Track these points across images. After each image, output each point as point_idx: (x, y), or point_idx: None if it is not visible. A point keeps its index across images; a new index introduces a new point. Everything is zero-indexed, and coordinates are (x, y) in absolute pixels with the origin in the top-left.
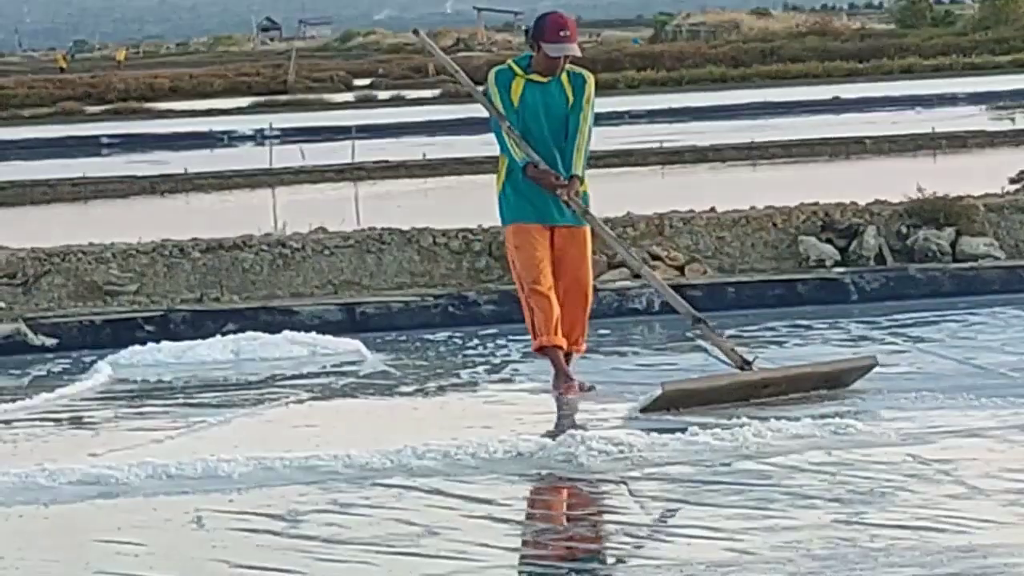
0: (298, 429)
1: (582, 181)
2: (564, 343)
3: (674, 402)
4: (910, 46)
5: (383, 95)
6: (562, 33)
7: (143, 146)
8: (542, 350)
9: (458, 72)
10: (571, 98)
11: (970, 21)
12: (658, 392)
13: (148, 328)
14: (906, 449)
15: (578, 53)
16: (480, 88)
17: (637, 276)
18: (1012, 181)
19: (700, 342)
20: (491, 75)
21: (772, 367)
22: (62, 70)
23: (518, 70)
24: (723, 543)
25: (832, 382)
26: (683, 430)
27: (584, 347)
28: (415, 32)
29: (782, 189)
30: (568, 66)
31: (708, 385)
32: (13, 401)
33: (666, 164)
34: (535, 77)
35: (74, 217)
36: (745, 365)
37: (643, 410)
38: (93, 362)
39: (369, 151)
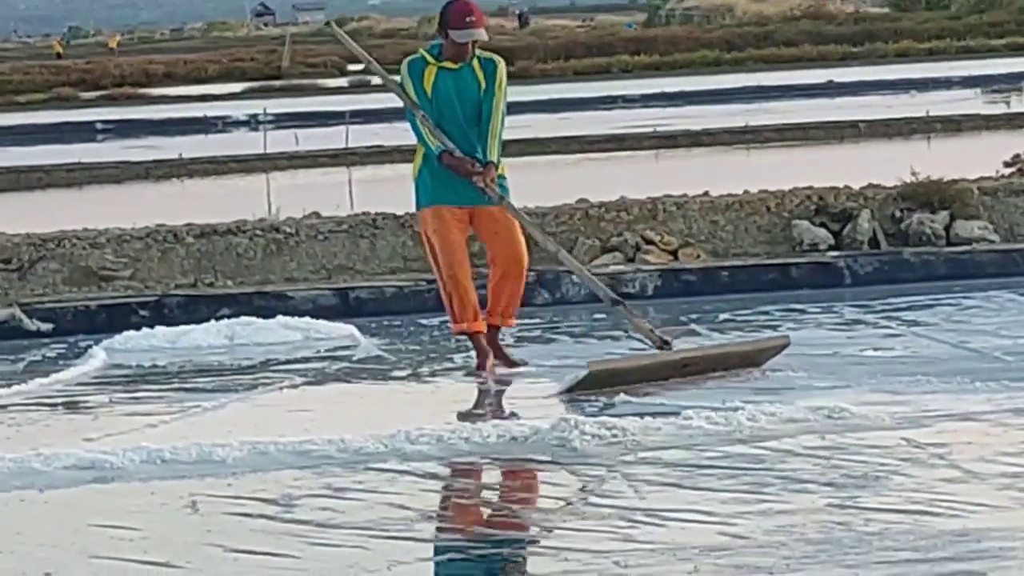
0: (292, 414)
1: (498, 166)
2: (484, 327)
3: (600, 382)
4: (904, 30)
5: (377, 80)
6: (468, 19)
7: (138, 132)
8: (464, 335)
9: (371, 62)
10: (483, 83)
11: (964, 4)
12: (584, 372)
13: (142, 313)
14: (900, 433)
15: (485, 38)
16: (394, 78)
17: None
18: (1007, 164)
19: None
20: (404, 65)
21: (691, 347)
22: (59, 56)
23: (430, 58)
24: (717, 527)
25: (748, 361)
26: (677, 414)
27: (514, 321)
28: (327, 24)
29: (776, 173)
30: (479, 52)
31: (632, 364)
32: (8, 386)
33: (660, 148)
34: (447, 64)
35: (69, 202)
36: (664, 345)
37: (568, 390)
38: (88, 347)
39: (363, 136)
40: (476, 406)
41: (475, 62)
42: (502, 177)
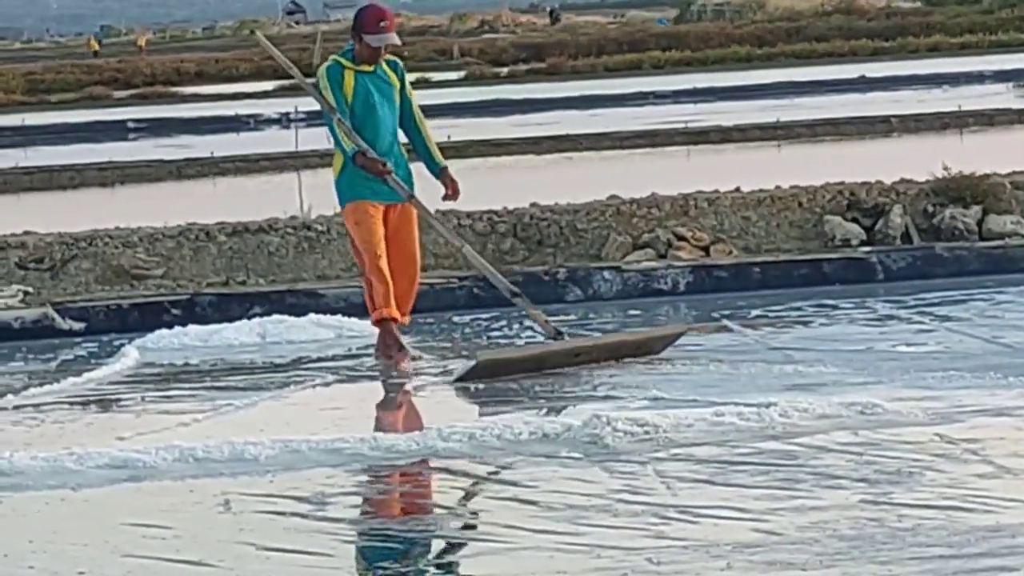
0: (324, 412)
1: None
2: (400, 316)
3: (489, 371)
4: (936, 24)
5: (408, 77)
6: (382, 24)
7: (170, 130)
8: (381, 322)
9: (292, 68)
10: (397, 83)
11: None
12: (473, 362)
13: (175, 312)
14: (933, 429)
15: (398, 42)
16: (310, 81)
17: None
18: None
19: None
20: (321, 70)
21: (584, 337)
22: (95, 54)
23: (346, 63)
24: (750, 524)
25: (643, 349)
26: (709, 410)
27: (409, 319)
28: (252, 32)
29: (808, 168)
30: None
31: (521, 355)
32: (41, 385)
33: (691, 144)
34: (363, 68)
35: (101, 201)
36: (558, 335)
37: (459, 379)
38: (120, 346)
39: None
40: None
41: (384, 64)
42: (409, 174)
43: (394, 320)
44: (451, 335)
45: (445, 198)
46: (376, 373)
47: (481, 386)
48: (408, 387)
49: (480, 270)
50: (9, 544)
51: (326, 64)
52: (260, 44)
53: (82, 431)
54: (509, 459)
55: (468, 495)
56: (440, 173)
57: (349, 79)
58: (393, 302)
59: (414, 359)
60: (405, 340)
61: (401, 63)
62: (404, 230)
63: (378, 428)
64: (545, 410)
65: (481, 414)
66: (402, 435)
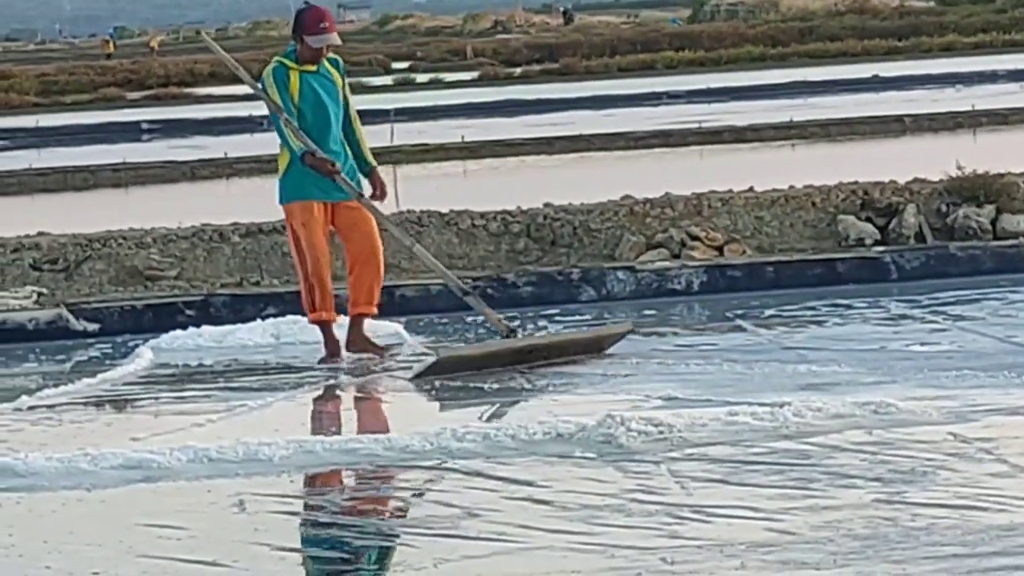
0: (338, 412)
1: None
2: (336, 318)
3: (447, 368)
4: (949, 24)
5: (421, 78)
6: (322, 24)
7: (183, 131)
8: (320, 323)
9: (239, 69)
10: (339, 82)
11: None
12: (433, 359)
13: (189, 312)
14: (947, 428)
15: (339, 42)
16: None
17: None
18: None
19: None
20: (268, 71)
21: (536, 335)
22: (108, 56)
23: (290, 64)
24: (763, 523)
25: (593, 348)
26: (723, 410)
27: (375, 308)
28: (197, 32)
29: (821, 168)
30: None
31: (480, 352)
32: (55, 386)
33: (705, 144)
34: (306, 68)
35: (115, 202)
36: (511, 333)
37: (417, 376)
38: (134, 347)
39: (408, 134)
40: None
41: (326, 63)
42: (354, 171)
43: (331, 321)
44: (465, 335)
45: (372, 197)
46: (390, 373)
47: (495, 386)
48: (422, 388)
49: (431, 267)
50: (24, 544)
51: (271, 66)
52: (207, 45)
53: (96, 432)
54: (523, 459)
55: (482, 495)
56: (370, 173)
57: (295, 80)
58: (330, 304)
59: (383, 349)
60: (418, 340)
61: (342, 62)
62: (361, 223)
63: (392, 428)
64: (558, 410)
65: (492, 416)
66: (416, 435)
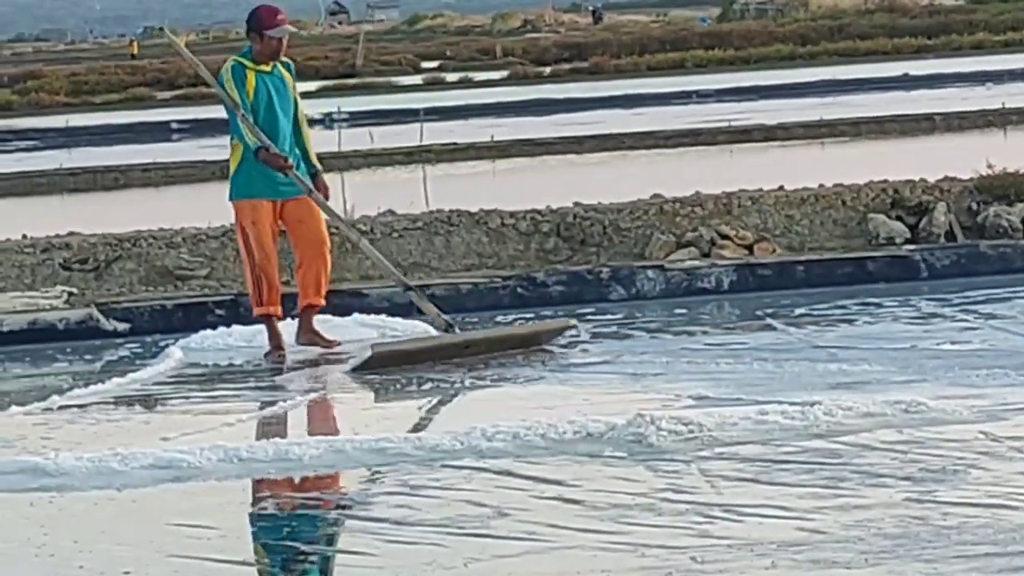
0: (368, 411)
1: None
2: (281, 312)
3: (384, 362)
4: (980, 22)
5: (451, 77)
6: (279, 17)
7: (213, 131)
8: (266, 317)
9: (199, 66)
10: (291, 83)
11: None
12: (368, 353)
13: (218, 312)
14: (978, 426)
15: (294, 30)
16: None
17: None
18: None
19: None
20: (226, 68)
21: (473, 330)
22: (133, 56)
23: (248, 63)
24: (794, 522)
25: (530, 342)
26: (753, 409)
27: (323, 300)
28: (161, 29)
29: (851, 167)
30: None
31: (414, 347)
32: (86, 386)
33: (734, 143)
34: (262, 67)
35: (145, 202)
36: (449, 328)
37: (354, 370)
38: (164, 347)
39: (437, 133)
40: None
41: (279, 65)
42: (303, 169)
43: (276, 316)
44: None
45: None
46: (423, 372)
47: (525, 385)
48: (450, 387)
49: (376, 262)
50: (55, 544)
51: (230, 64)
52: (169, 42)
53: (127, 431)
54: (553, 458)
55: (512, 494)
56: (313, 176)
57: (251, 79)
58: (276, 298)
59: (333, 343)
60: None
61: (293, 64)
62: (308, 219)
63: (422, 428)
64: (588, 410)
65: (525, 413)
66: (446, 435)
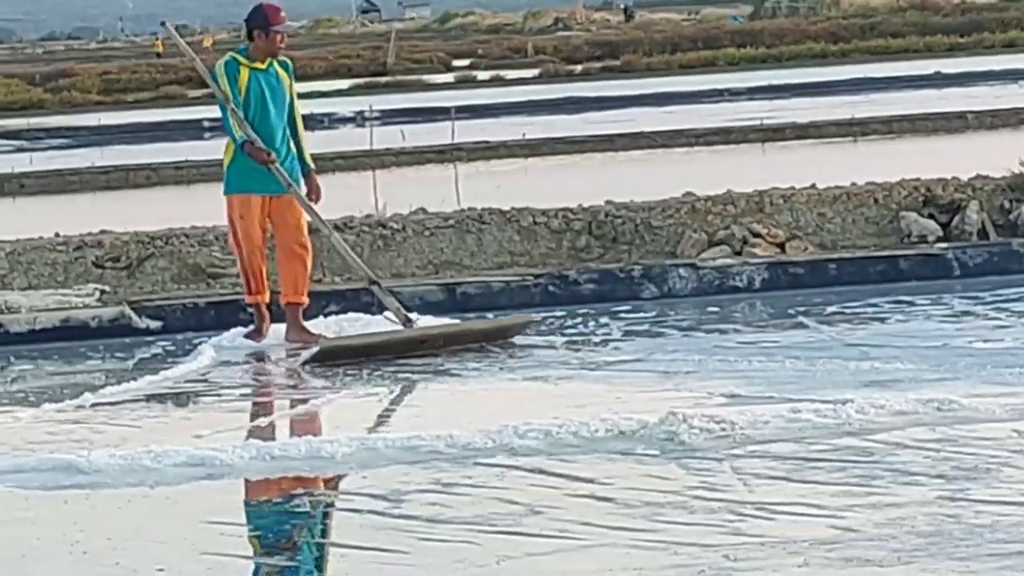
0: (400, 409)
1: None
2: (268, 299)
3: (332, 356)
4: (1012, 20)
5: (482, 75)
6: (282, 14)
7: None
8: (254, 305)
9: (195, 60)
10: (287, 82)
11: None
12: (316, 348)
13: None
14: (1011, 425)
15: (291, 25)
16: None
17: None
18: None
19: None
20: (220, 63)
21: (431, 324)
22: (158, 55)
23: (243, 60)
24: (826, 520)
25: (492, 337)
26: (786, 407)
27: (306, 297)
28: (163, 24)
29: (883, 165)
30: None
31: (362, 342)
32: (118, 384)
33: (766, 141)
34: (257, 65)
35: (177, 200)
36: (408, 323)
37: (305, 363)
38: (197, 344)
39: (469, 131)
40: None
41: (276, 63)
42: (294, 168)
43: (265, 303)
44: (526, 332)
45: (307, 197)
46: (450, 371)
47: (557, 383)
48: (482, 384)
49: (345, 256)
50: (89, 541)
51: (224, 60)
52: (168, 35)
53: (159, 429)
54: (585, 456)
55: (544, 492)
56: (306, 175)
57: (244, 76)
58: (263, 287)
59: (317, 337)
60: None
61: (291, 63)
62: (290, 217)
63: (455, 425)
64: (621, 408)
65: (556, 411)
66: (478, 432)
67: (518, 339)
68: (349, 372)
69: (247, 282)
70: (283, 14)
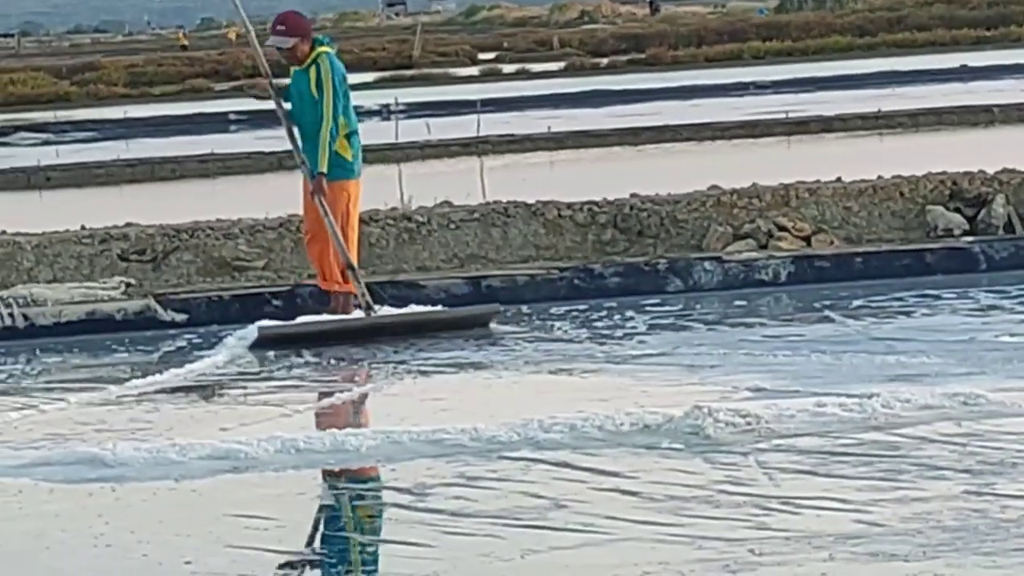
0: (425, 403)
1: (326, 175)
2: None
3: (271, 342)
4: None
5: (508, 68)
6: (279, 28)
7: (270, 122)
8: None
9: (259, 56)
10: (313, 83)
11: None
12: (256, 335)
13: (276, 303)
14: None
15: (286, 45)
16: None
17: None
18: None
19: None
20: (325, 60)
21: (391, 313)
22: (184, 48)
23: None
24: (852, 515)
25: (454, 327)
26: (811, 401)
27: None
28: (234, 3)
29: (909, 158)
30: (318, 51)
31: (304, 330)
32: (143, 376)
33: (792, 134)
34: (295, 66)
35: (202, 193)
36: (369, 310)
37: (250, 347)
38: (222, 337)
39: (494, 125)
40: None
41: (312, 65)
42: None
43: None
44: (551, 326)
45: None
46: (476, 364)
47: (582, 377)
48: (507, 378)
49: (331, 239)
50: (114, 535)
51: (328, 55)
52: (244, 32)
53: (184, 422)
54: (610, 450)
55: (569, 486)
56: (315, 177)
57: (292, 74)
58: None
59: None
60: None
61: (323, 60)
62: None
63: (480, 419)
64: (646, 401)
65: (582, 405)
66: (503, 426)
67: (542, 332)
68: (374, 365)
69: (342, 271)
70: (280, 27)
